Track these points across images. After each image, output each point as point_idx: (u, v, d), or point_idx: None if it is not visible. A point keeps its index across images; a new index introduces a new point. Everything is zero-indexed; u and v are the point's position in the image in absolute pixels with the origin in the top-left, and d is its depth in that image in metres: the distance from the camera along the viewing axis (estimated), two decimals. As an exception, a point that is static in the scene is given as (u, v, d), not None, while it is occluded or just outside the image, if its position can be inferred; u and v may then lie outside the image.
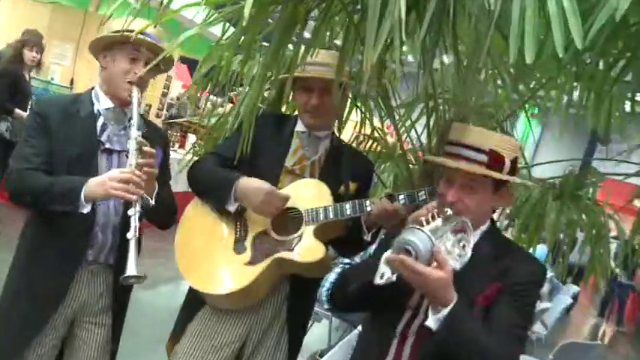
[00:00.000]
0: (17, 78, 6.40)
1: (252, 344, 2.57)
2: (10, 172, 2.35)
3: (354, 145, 3.40)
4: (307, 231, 2.44)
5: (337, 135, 2.77)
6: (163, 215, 2.57)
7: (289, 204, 2.49)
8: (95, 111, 2.47)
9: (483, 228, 1.99)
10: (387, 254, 1.74)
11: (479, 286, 1.88)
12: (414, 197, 2.36)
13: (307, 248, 2.41)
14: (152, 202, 2.36)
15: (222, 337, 2.53)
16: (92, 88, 2.54)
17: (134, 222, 2.22)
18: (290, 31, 2.06)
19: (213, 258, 2.53)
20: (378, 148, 3.55)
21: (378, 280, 1.80)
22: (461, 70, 2.45)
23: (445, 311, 1.74)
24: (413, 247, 1.71)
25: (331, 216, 2.41)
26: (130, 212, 2.24)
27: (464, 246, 1.82)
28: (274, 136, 2.60)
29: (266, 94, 3.17)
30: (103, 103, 2.49)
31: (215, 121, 3.59)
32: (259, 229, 2.51)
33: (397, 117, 3.25)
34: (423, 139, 3.30)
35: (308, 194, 2.50)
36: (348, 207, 2.40)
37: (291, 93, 2.83)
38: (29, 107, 6.21)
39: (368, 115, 3.40)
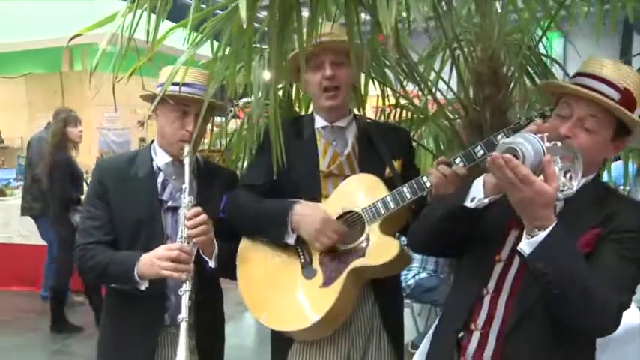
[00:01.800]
0: (70, 164, 6.30)
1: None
2: (75, 248, 2.40)
3: (381, 119, 3.25)
4: (373, 230, 2.30)
5: (360, 114, 2.61)
6: (230, 272, 2.47)
7: (345, 208, 2.36)
8: (155, 168, 2.45)
9: (589, 177, 1.80)
10: (494, 154, 1.56)
11: (579, 230, 1.72)
12: (471, 156, 2.18)
13: (380, 248, 2.28)
14: (212, 264, 2.33)
15: None
16: (152, 142, 2.51)
17: (185, 302, 2.16)
18: (288, 21, 1.90)
19: (284, 291, 2.39)
20: (409, 115, 3.38)
21: (468, 203, 1.74)
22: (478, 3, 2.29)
23: (542, 234, 1.57)
24: (521, 150, 1.54)
25: (392, 206, 2.27)
26: (180, 291, 2.19)
27: (570, 178, 1.64)
28: (297, 144, 2.44)
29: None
30: (160, 158, 2.45)
31: (228, 141, 3.46)
32: None
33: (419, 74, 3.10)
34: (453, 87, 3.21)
35: (359, 192, 2.37)
36: (406, 191, 2.25)
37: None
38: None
39: (387, 84, 3.23)
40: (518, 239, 1.77)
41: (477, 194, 1.76)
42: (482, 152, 2.15)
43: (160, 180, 2.42)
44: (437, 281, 4.78)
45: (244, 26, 1.60)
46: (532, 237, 1.60)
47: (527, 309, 1.76)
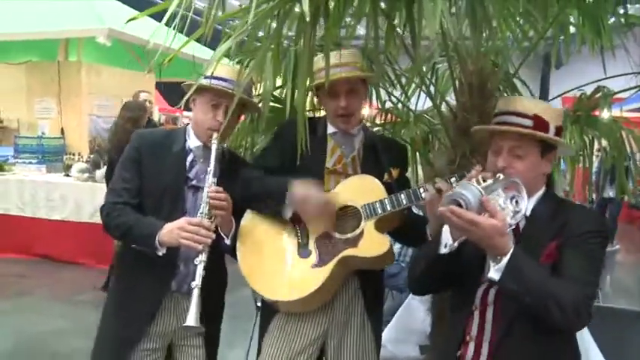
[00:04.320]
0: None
1: (334, 339, 2.43)
2: (103, 205, 2.37)
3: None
4: (368, 226, 2.31)
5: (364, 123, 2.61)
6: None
7: (344, 202, 2.35)
8: (187, 147, 2.42)
9: (539, 194, 1.90)
10: (440, 208, 1.67)
11: (542, 242, 1.80)
12: (464, 177, 2.17)
13: (372, 242, 2.29)
14: (227, 241, 2.34)
15: (302, 340, 2.40)
16: (187, 124, 2.50)
17: (199, 271, 2.13)
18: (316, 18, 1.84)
19: (279, 265, 2.37)
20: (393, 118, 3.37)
21: (442, 250, 1.82)
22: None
23: (505, 259, 1.66)
24: (462, 199, 1.64)
25: (388, 208, 2.28)
26: (196, 261, 2.16)
27: (517, 202, 1.74)
28: (310, 141, 2.37)
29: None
30: (192, 140, 2.43)
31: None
32: (320, 231, 2.36)
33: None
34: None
35: (360, 190, 2.37)
36: (403, 197, 2.28)
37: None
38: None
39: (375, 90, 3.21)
40: None
41: (447, 240, 1.83)
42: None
43: (189, 159, 2.40)
44: (398, 268, 4.78)
45: (307, 19, 1.53)
46: (497, 263, 1.68)
47: (509, 320, 1.81)
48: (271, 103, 2.90)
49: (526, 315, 1.75)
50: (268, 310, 2.47)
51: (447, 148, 2.60)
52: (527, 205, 1.76)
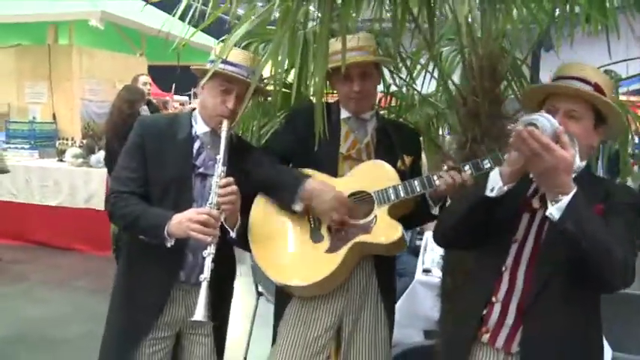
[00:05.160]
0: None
1: (349, 323, 2.41)
2: (108, 195, 2.32)
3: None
4: (381, 212, 2.28)
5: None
6: (245, 246, 2.41)
7: (357, 188, 2.33)
8: (193, 133, 2.34)
9: (582, 164, 1.85)
10: (517, 127, 1.60)
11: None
12: (479, 166, 2.16)
13: (385, 228, 2.27)
14: (233, 234, 2.25)
15: (318, 326, 2.37)
16: (193, 109, 2.41)
17: (208, 263, 2.08)
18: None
19: (292, 249, 2.35)
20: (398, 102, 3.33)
21: (489, 193, 1.77)
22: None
23: (567, 198, 1.59)
24: (538, 124, 1.59)
25: (402, 194, 2.26)
26: (205, 253, 2.11)
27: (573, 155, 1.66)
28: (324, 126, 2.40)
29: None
30: (200, 126, 2.35)
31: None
32: None
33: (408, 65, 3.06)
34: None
35: (373, 176, 2.35)
36: (417, 184, 2.25)
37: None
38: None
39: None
40: (531, 220, 1.86)
41: (495, 184, 1.78)
42: (489, 165, 2.13)
43: (196, 146, 2.33)
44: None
45: None
46: (557, 202, 1.61)
47: (544, 280, 1.77)
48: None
49: (561, 278, 1.73)
50: (282, 296, 2.44)
51: (457, 133, 2.56)
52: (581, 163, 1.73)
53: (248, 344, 4.05)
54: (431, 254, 3.85)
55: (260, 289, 4.21)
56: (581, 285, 1.72)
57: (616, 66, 2.96)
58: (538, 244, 1.82)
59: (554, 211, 1.62)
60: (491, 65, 2.44)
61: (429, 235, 4.23)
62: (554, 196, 1.62)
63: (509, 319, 1.82)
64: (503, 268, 1.86)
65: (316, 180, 2.31)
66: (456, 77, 3.41)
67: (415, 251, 4.51)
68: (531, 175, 1.77)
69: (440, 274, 3.40)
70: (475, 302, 1.91)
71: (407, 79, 3.12)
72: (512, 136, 1.62)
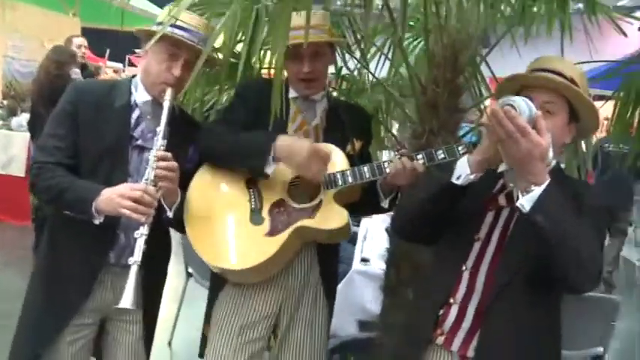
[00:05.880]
0: None
1: (288, 312, 2.29)
2: (32, 164, 2.10)
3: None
4: (327, 197, 2.16)
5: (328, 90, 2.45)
6: (181, 228, 2.22)
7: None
8: (132, 102, 2.12)
9: (553, 162, 1.78)
10: (494, 107, 1.52)
11: None
12: (432, 156, 2.07)
13: (329, 214, 2.14)
14: (169, 214, 2.07)
15: (254, 313, 2.24)
16: (133, 76, 2.19)
17: (139, 245, 1.89)
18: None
19: (229, 231, 2.20)
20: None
21: (454, 180, 1.69)
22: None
23: (539, 189, 1.51)
24: (516, 106, 1.51)
25: (350, 180, 2.14)
26: (136, 234, 1.91)
27: None
28: (270, 104, 2.14)
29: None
30: (140, 94, 2.13)
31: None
32: (275, 198, 2.21)
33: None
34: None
35: None
36: (366, 170, 2.13)
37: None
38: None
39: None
40: (496, 219, 1.77)
41: (462, 172, 1.69)
42: (443, 156, 2.05)
43: (134, 115, 2.12)
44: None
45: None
46: (528, 193, 1.53)
47: (507, 281, 1.69)
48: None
49: (523, 279, 1.66)
50: (218, 280, 2.29)
51: (413, 122, 2.47)
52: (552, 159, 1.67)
53: (174, 327, 3.89)
54: (370, 243, 3.78)
55: (190, 269, 4.04)
56: (544, 287, 1.66)
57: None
58: (502, 244, 1.74)
59: (524, 201, 1.53)
60: (454, 55, 2.36)
61: (368, 223, 4.17)
62: (526, 186, 1.54)
63: (467, 323, 1.74)
64: (464, 268, 1.77)
65: (286, 137, 2.16)
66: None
67: (352, 239, 4.44)
68: (500, 169, 1.71)
69: (380, 264, 3.37)
70: (431, 302, 1.82)
71: (360, 62, 3.01)
72: (488, 114, 1.54)
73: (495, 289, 1.71)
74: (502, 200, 1.78)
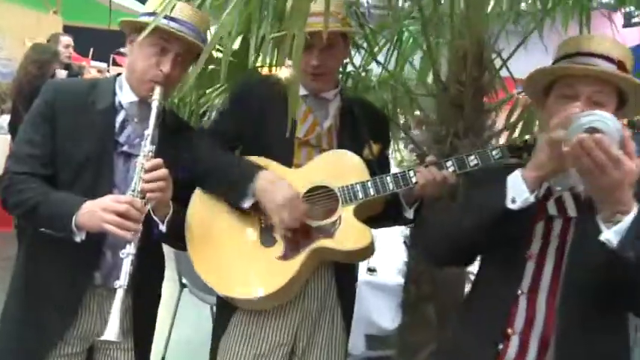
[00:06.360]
0: None
1: (304, 338, 2.07)
2: (3, 175, 1.89)
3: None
4: (346, 213, 1.93)
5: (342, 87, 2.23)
6: (176, 244, 2.04)
7: (318, 182, 1.98)
8: (116, 103, 1.92)
9: None
10: (581, 135, 1.27)
11: None
12: (463, 163, 1.86)
13: (351, 233, 1.92)
14: (163, 227, 1.84)
15: (268, 341, 2.02)
16: (118, 75, 1.98)
17: (126, 267, 1.69)
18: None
19: (238, 255, 1.97)
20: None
21: (510, 205, 1.46)
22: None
23: (628, 218, 1.30)
24: (605, 130, 1.26)
25: (372, 193, 1.92)
26: (122, 253, 1.71)
27: None
28: (278, 104, 1.98)
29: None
30: (125, 94, 1.93)
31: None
32: None
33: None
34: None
35: (337, 168, 2.00)
36: (389, 180, 1.91)
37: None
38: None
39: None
40: (548, 231, 1.57)
41: (518, 193, 1.46)
42: (475, 162, 1.84)
43: (119, 119, 1.91)
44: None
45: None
46: (614, 223, 1.32)
47: (575, 305, 1.48)
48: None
49: (591, 301, 1.46)
50: (225, 307, 2.07)
51: (434, 125, 2.27)
52: None
53: (167, 342, 3.65)
54: (377, 251, 3.58)
55: (184, 280, 3.80)
56: (616, 310, 1.48)
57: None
58: (561, 261, 1.52)
59: (611, 235, 1.32)
60: (479, 52, 2.15)
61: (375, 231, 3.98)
62: (611, 216, 1.33)
63: (531, 356, 1.53)
64: (519, 292, 1.56)
65: (269, 173, 1.95)
66: (415, 61, 3.17)
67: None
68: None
69: (388, 274, 3.19)
70: (485, 335, 1.59)
71: (368, 57, 2.82)
72: (570, 145, 1.29)
73: (562, 318, 1.50)
74: (552, 209, 1.56)
